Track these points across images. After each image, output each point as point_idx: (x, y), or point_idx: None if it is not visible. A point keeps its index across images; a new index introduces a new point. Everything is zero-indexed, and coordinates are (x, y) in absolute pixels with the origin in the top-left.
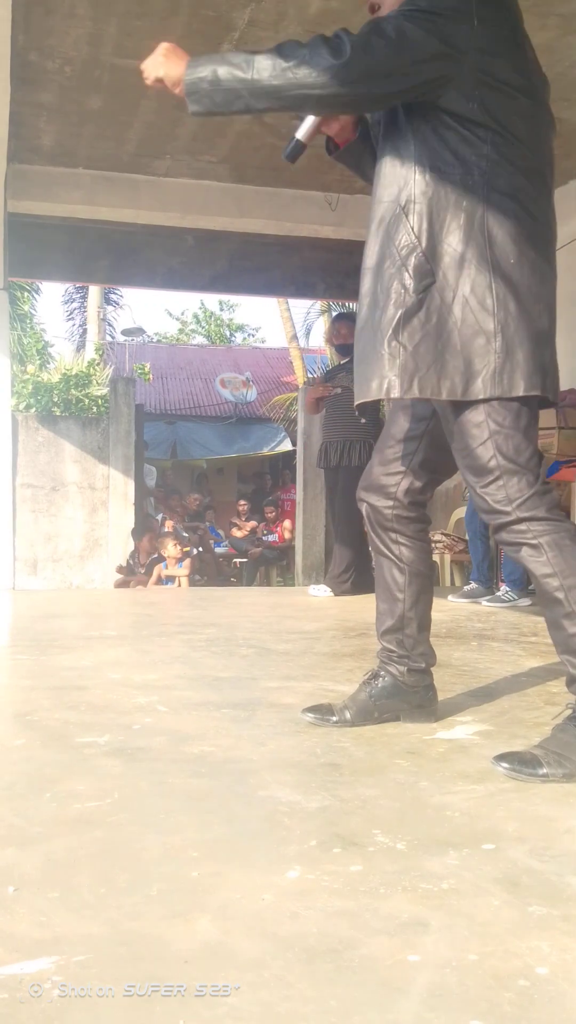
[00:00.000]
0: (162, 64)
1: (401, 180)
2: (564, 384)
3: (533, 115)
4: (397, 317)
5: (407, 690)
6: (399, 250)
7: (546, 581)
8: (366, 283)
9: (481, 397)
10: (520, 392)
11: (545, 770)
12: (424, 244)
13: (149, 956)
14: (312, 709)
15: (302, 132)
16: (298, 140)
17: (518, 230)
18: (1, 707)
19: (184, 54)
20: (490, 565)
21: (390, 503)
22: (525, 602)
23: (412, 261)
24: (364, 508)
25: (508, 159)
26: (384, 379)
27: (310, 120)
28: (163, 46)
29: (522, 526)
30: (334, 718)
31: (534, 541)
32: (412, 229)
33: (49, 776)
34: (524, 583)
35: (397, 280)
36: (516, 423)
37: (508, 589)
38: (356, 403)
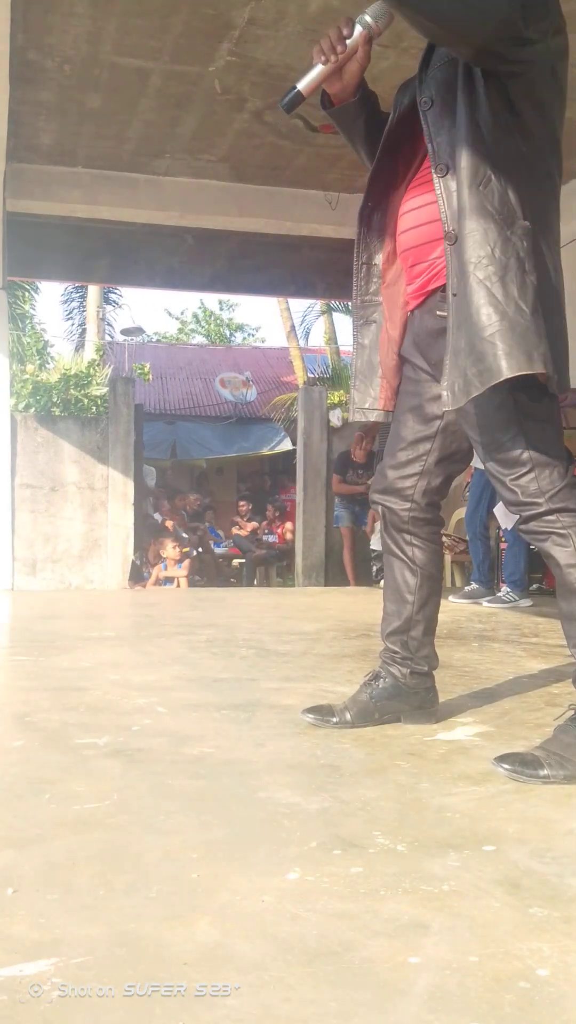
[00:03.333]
0: None
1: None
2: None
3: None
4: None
5: (408, 692)
6: (513, 218)
7: (570, 571)
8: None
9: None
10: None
11: (546, 771)
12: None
13: (148, 957)
14: (312, 710)
15: (304, 83)
16: (297, 90)
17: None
18: (0, 708)
19: None
20: (491, 566)
21: (408, 505)
22: (526, 603)
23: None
24: (380, 510)
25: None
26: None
27: (315, 72)
28: None
29: (552, 516)
30: (334, 719)
31: (563, 531)
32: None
33: (48, 777)
34: (525, 584)
35: (514, 251)
36: (548, 414)
37: (509, 590)
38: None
